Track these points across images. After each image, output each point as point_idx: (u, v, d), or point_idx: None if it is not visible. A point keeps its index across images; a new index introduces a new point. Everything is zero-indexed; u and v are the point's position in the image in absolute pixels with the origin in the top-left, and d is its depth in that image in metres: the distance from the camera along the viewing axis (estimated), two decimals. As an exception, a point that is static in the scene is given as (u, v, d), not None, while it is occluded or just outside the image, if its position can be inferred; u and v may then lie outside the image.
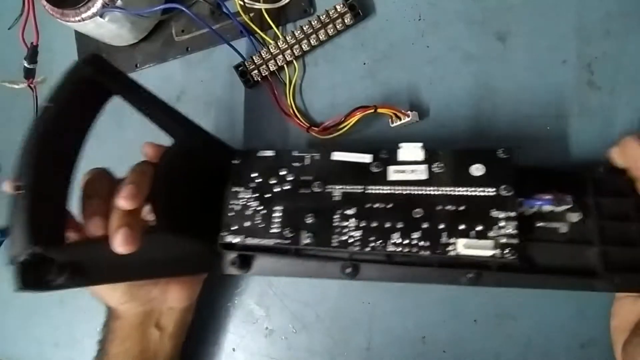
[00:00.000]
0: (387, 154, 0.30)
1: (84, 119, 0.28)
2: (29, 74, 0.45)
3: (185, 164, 0.32)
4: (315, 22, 0.37)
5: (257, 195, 0.32)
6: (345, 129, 0.35)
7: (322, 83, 0.39)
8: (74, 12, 0.38)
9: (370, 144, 0.35)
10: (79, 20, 0.39)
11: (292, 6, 0.39)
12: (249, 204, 0.32)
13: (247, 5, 0.38)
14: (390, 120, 0.35)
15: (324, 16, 0.37)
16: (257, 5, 0.38)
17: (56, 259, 0.24)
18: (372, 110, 0.34)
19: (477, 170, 0.28)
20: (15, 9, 0.44)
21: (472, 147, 0.29)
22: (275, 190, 0.32)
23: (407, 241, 0.28)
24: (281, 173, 0.32)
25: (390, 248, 0.28)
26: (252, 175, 0.32)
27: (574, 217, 0.28)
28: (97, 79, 0.28)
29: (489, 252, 0.26)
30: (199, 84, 0.43)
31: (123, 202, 0.26)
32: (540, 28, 0.33)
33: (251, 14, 0.39)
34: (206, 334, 0.40)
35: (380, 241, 0.28)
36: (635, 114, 0.32)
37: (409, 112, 0.34)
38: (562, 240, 0.29)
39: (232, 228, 0.32)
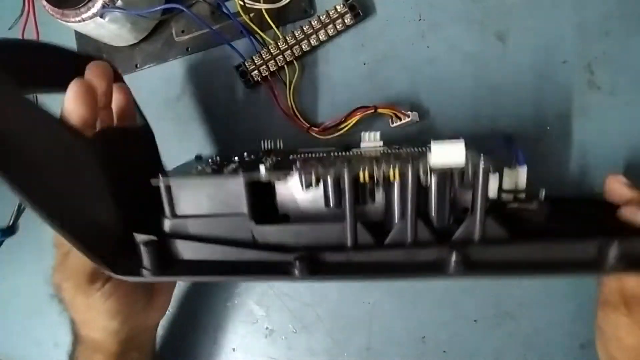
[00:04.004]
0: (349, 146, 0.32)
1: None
2: (29, 74, 0.45)
3: (144, 148, 0.32)
4: (316, 22, 0.37)
5: (213, 167, 0.29)
6: (346, 129, 0.35)
7: (322, 83, 0.39)
8: (74, 12, 0.38)
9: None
10: (79, 21, 0.39)
11: (292, 6, 0.39)
12: (198, 168, 0.29)
13: (247, 5, 0.38)
14: (390, 120, 0.35)
15: (324, 16, 0.37)
16: (257, 6, 0.38)
17: None
18: (372, 111, 0.34)
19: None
20: (16, 9, 0.44)
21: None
22: (229, 167, 0.28)
23: (375, 167, 0.24)
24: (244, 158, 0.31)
25: (355, 167, 0.24)
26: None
27: (541, 194, 0.27)
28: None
29: (462, 159, 0.24)
30: (199, 84, 0.43)
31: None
32: (540, 28, 0.33)
33: (251, 14, 0.39)
34: (206, 334, 0.40)
35: (346, 163, 0.25)
36: (635, 114, 0.32)
37: (409, 112, 0.34)
38: (540, 218, 0.27)
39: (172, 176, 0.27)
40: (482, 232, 0.25)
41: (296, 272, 0.24)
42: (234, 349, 0.40)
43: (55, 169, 0.24)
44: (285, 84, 0.39)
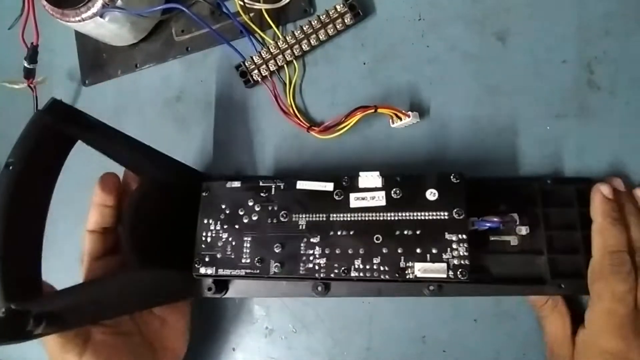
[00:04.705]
0: (348, 182, 0.32)
1: (49, 170, 0.28)
2: (29, 74, 0.45)
3: (154, 197, 0.33)
4: (315, 22, 0.37)
5: (226, 226, 0.33)
6: (346, 129, 0.35)
7: (322, 83, 0.39)
8: (74, 12, 0.38)
9: (337, 168, 0.37)
10: (79, 21, 0.39)
11: (292, 6, 0.39)
12: (219, 235, 0.33)
13: (247, 5, 0.38)
14: (390, 120, 0.35)
15: (324, 16, 0.37)
16: (257, 6, 0.38)
17: (33, 311, 0.25)
18: (373, 110, 0.34)
19: (431, 195, 0.30)
20: (15, 9, 0.44)
21: (426, 172, 0.31)
22: (244, 221, 0.33)
23: (368, 266, 0.30)
24: (249, 204, 0.33)
25: (353, 274, 0.30)
26: (222, 206, 0.34)
27: (523, 230, 0.31)
28: (57, 126, 0.28)
29: (443, 275, 0.29)
30: (199, 84, 0.43)
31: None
32: (540, 28, 0.33)
33: (251, 14, 0.39)
34: (206, 334, 0.40)
35: (344, 268, 0.30)
36: (635, 114, 0.32)
37: (409, 112, 0.34)
38: (514, 251, 0.32)
39: (205, 260, 0.33)
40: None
41: (315, 293, 0.34)
42: (233, 349, 0.40)
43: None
44: (285, 83, 0.39)
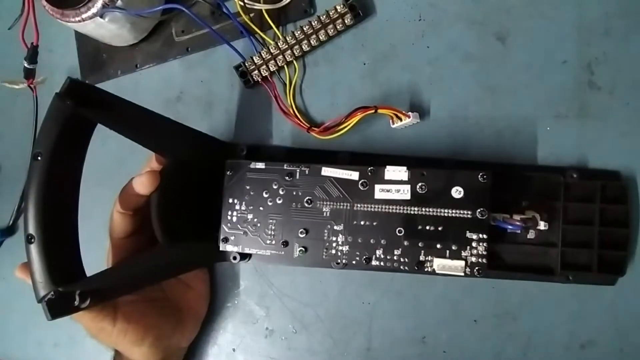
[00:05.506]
0: (373, 172, 0.32)
1: (75, 156, 0.29)
2: (29, 74, 0.45)
3: (179, 176, 0.34)
4: (316, 22, 0.37)
5: (251, 207, 0.34)
6: (346, 129, 0.35)
7: (322, 83, 0.39)
8: (74, 12, 0.38)
9: (368, 146, 0.36)
10: (79, 21, 0.39)
11: (292, 7, 0.39)
12: (244, 215, 0.34)
13: (247, 5, 0.38)
14: (390, 120, 0.35)
15: (324, 16, 0.37)
16: (258, 6, 0.38)
17: (78, 290, 0.28)
18: (373, 111, 0.34)
19: (457, 192, 0.30)
20: (15, 9, 0.44)
21: (454, 169, 0.31)
22: (268, 203, 0.34)
23: (389, 257, 0.31)
24: (273, 187, 0.34)
25: (374, 263, 0.31)
26: (246, 187, 0.34)
27: (542, 225, 0.31)
28: (78, 112, 0.28)
29: (460, 273, 0.30)
30: (199, 84, 0.43)
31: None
32: (540, 28, 0.33)
33: (251, 15, 0.39)
34: (206, 334, 0.40)
35: (365, 257, 0.31)
36: (635, 114, 0.32)
37: (409, 113, 0.34)
38: (529, 242, 0.32)
39: (230, 238, 0.34)
40: None
41: (334, 266, 0.33)
42: (234, 350, 0.40)
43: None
44: (285, 84, 0.39)
